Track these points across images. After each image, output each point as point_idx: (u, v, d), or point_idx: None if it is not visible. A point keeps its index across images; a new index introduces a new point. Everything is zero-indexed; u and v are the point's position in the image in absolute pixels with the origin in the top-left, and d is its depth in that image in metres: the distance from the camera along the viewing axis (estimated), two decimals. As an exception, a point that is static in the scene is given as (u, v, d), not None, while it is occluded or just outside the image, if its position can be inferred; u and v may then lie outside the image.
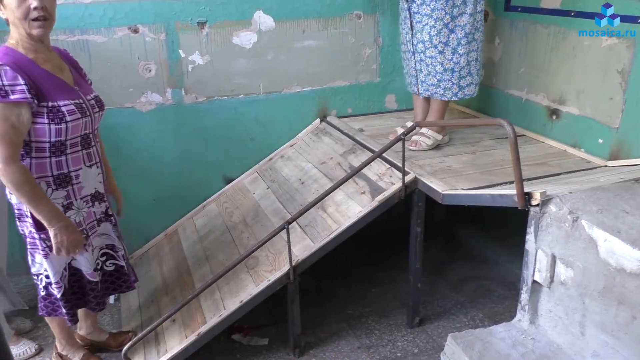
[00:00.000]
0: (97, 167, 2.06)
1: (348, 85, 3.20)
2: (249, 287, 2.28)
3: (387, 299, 2.86)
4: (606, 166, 2.40)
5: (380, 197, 2.31)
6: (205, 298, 2.38)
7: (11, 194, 1.91)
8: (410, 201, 2.39)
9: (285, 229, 2.15)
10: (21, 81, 1.73)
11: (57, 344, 2.34)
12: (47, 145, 1.85)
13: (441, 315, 2.73)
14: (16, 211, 1.96)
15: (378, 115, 3.28)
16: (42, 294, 2.10)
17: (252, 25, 2.87)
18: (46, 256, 1.98)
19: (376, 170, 2.49)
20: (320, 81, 3.13)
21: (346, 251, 2.65)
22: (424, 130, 2.68)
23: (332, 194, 2.31)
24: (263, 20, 2.88)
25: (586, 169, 2.40)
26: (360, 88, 3.23)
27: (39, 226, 1.91)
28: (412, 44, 2.60)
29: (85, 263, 2.08)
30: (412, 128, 2.32)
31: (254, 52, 2.92)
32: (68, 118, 1.84)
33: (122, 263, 2.23)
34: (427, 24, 2.51)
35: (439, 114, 2.71)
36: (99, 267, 2.16)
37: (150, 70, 2.77)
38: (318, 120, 3.19)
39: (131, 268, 2.35)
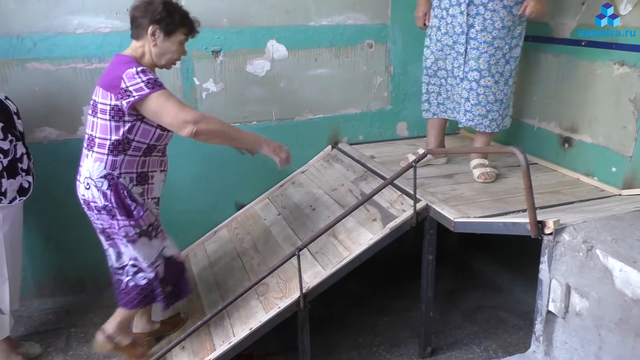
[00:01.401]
0: (165, 174, 2.22)
1: (359, 113, 3.23)
2: (259, 314, 2.27)
3: (399, 328, 2.82)
4: (620, 195, 2.38)
5: (392, 224, 2.30)
6: (215, 325, 2.37)
7: (87, 188, 2.00)
8: (422, 228, 2.38)
9: (296, 256, 2.15)
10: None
11: (112, 328, 2.28)
12: (145, 146, 2.02)
13: (454, 346, 2.68)
14: (97, 204, 2.01)
15: (389, 143, 3.30)
16: (131, 284, 2.16)
17: (265, 54, 2.92)
18: (134, 242, 2.06)
19: (387, 197, 2.48)
20: (332, 108, 3.16)
21: (357, 278, 2.63)
22: (481, 160, 2.65)
23: (343, 220, 2.31)
24: (276, 49, 2.93)
25: (600, 198, 2.38)
26: (371, 115, 3.26)
27: (128, 214, 2.01)
28: (463, 71, 2.50)
29: (172, 247, 2.21)
30: (424, 155, 2.32)
31: (266, 79, 2.97)
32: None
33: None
34: (485, 51, 2.43)
35: (486, 145, 2.70)
36: None
37: (165, 97, 2.81)
38: (329, 147, 3.20)
39: None
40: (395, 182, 2.40)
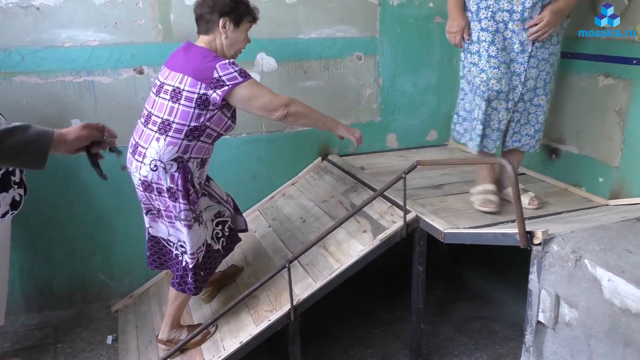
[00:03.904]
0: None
1: (349, 125, 3.23)
2: (249, 327, 2.25)
3: (390, 340, 2.81)
4: (607, 205, 2.40)
5: (382, 236, 2.30)
6: (205, 338, 2.35)
7: (154, 170, 2.05)
8: (412, 240, 2.38)
9: (286, 268, 2.14)
10: None
11: (167, 329, 2.35)
12: (215, 134, 2.13)
13: (444, 357, 2.67)
14: (161, 185, 2.08)
15: (379, 154, 3.31)
16: (181, 259, 2.25)
17: (255, 66, 2.93)
18: (190, 227, 2.13)
19: (378, 208, 2.49)
20: (322, 120, 3.17)
21: (348, 290, 2.62)
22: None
23: (333, 232, 2.31)
24: (266, 61, 2.94)
25: (587, 208, 2.40)
26: (361, 127, 3.25)
27: (188, 198, 2.09)
28: (520, 92, 2.29)
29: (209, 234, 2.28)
30: (413, 167, 2.33)
31: (256, 92, 2.97)
32: (236, 121, 2.18)
33: (228, 219, 2.41)
34: (543, 69, 2.27)
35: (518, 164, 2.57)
36: (219, 236, 2.35)
37: (154, 110, 2.81)
38: (320, 158, 3.21)
39: (239, 212, 2.54)
40: (385, 193, 2.40)
